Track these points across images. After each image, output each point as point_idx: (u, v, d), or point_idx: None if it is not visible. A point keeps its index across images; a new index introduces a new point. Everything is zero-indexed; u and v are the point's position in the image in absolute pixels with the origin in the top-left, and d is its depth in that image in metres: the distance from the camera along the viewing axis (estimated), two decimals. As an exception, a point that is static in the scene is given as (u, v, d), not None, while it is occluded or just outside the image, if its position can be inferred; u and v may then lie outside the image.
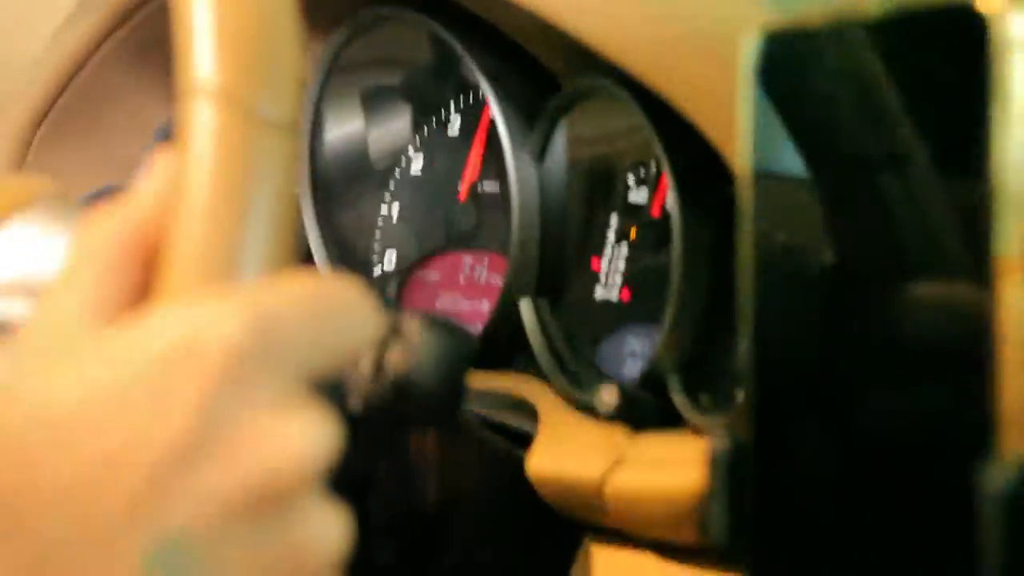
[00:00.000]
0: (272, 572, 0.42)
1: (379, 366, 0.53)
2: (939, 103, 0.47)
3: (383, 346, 0.53)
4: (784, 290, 0.52)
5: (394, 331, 0.53)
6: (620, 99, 0.73)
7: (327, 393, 0.44)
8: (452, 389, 0.54)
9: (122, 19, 0.88)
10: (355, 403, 0.54)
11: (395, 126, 0.93)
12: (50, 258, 0.50)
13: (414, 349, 0.52)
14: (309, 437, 0.42)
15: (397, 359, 0.52)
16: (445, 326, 0.53)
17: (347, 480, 0.47)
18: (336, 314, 0.44)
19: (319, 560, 0.42)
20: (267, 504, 0.41)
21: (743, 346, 0.53)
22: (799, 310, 0.52)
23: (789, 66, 0.48)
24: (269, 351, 0.42)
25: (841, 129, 0.51)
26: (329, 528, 0.43)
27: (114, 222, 0.45)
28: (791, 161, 0.52)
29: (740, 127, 0.50)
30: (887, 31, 0.47)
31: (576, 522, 0.71)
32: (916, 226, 0.49)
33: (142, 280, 0.45)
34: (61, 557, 0.40)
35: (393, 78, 0.92)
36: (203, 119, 0.44)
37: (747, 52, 0.48)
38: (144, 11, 0.88)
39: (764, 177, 0.52)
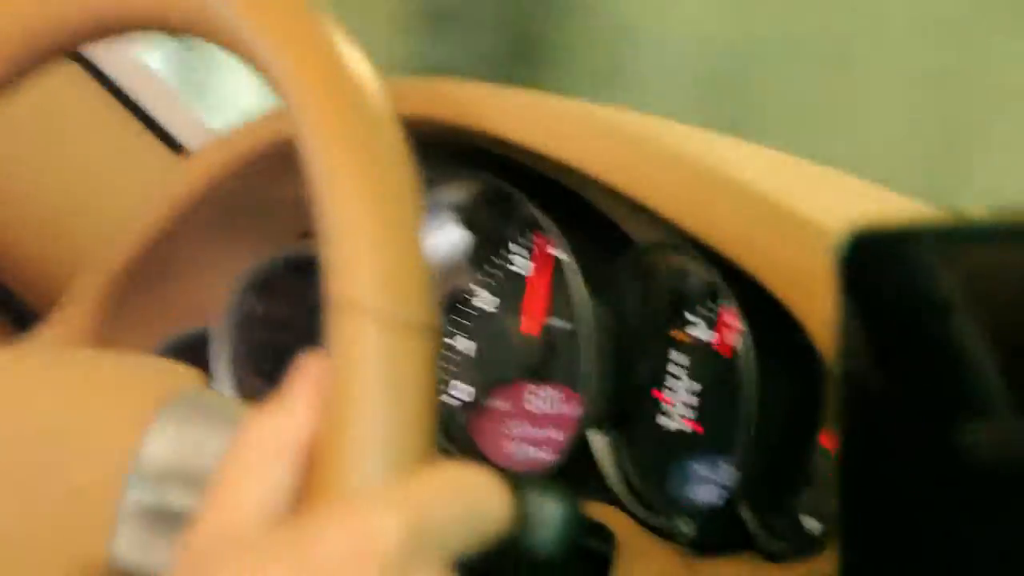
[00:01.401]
0: None
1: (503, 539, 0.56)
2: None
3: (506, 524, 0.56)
4: (869, 433, 0.55)
5: (514, 502, 0.56)
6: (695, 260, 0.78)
7: (466, 572, 0.49)
8: (564, 549, 0.57)
9: (220, 183, 0.93)
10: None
11: (448, 246, 0.95)
12: (207, 448, 0.53)
13: (532, 519, 0.55)
14: None
15: (517, 529, 0.55)
16: (556, 492, 0.56)
17: None
18: (475, 502, 0.49)
19: None
20: None
21: (818, 472, 0.56)
22: (885, 455, 0.55)
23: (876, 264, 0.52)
24: (424, 544, 0.46)
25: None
26: None
27: (275, 423, 0.49)
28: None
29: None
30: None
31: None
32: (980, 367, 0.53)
33: (305, 478, 0.48)
34: None
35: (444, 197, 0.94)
36: (356, 334, 0.48)
37: (839, 245, 0.52)
38: (239, 176, 0.93)
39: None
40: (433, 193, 0.93)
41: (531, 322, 0.92)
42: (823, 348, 0.67)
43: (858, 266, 0.51)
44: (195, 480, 0.52)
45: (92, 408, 0.55)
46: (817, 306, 0.66)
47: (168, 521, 0.52)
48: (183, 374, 0.55)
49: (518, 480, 0.54)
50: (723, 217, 0.72)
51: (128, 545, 0.52)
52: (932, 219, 0.52)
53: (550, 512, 0.54)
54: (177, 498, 0.52)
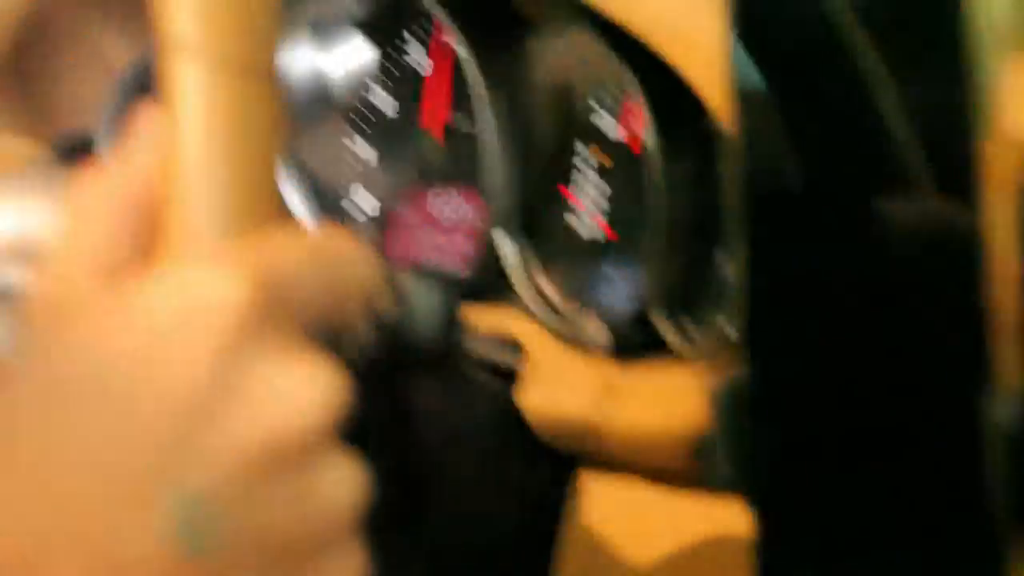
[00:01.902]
0: (295, 523, 0.42)
1: (372, 317, 0.53)
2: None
3: (375, 298, 0.53)
4: (769, 214, 0.52)
5: (385, 283, 0.54)
6: (592, 36, 0.73)
7: (328, 345, 0.45)
8: (444, 337, 0.55)
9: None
10: (352, 354, 0.54)
11: (350, 57, 0.92)
12: (41, 221, 0.50)
13: (404, 299, 0.53)
14: (320, 389, 0.43)
15: (389, 310, 0.53)
16: (433, 275, 0.54)
17: (348, 429, 0.48)
18: (334, 267, 0.45)
19: (341, 508, 0.43)
20: (286, 456, 0.42)
21: (729, 272, 0.53)
22: (786, 235, 0.52)
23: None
24: (275, 307, 0.43)
25: (814, 55, 0.51)
26: (347, 477, 0.43)
27: (112, 183, 0.46)
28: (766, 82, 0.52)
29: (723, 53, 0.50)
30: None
31: (571, 457, 0.72)
32: (895, 141, 0.49)
33: (143, 240, 0.45)
34: (86, 513, 0.40)
35: (338, 6, 0.90)
36: (188, 77, 0.44)
37: None
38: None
39: (746, 98, 0.52)
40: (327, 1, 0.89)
41: (431, 123, 0.87)
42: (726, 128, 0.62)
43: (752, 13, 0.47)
44: (34, 255, 0.49)
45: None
46: (716, 75, 0.62)
47: (7, 300, 0.49)
48: (20, 147, 0.51)
49: (390, 263, 0.51)
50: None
51: None
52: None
53: (425, 291, 0.51)
54: (15, 275, 0.49)
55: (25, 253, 0.50)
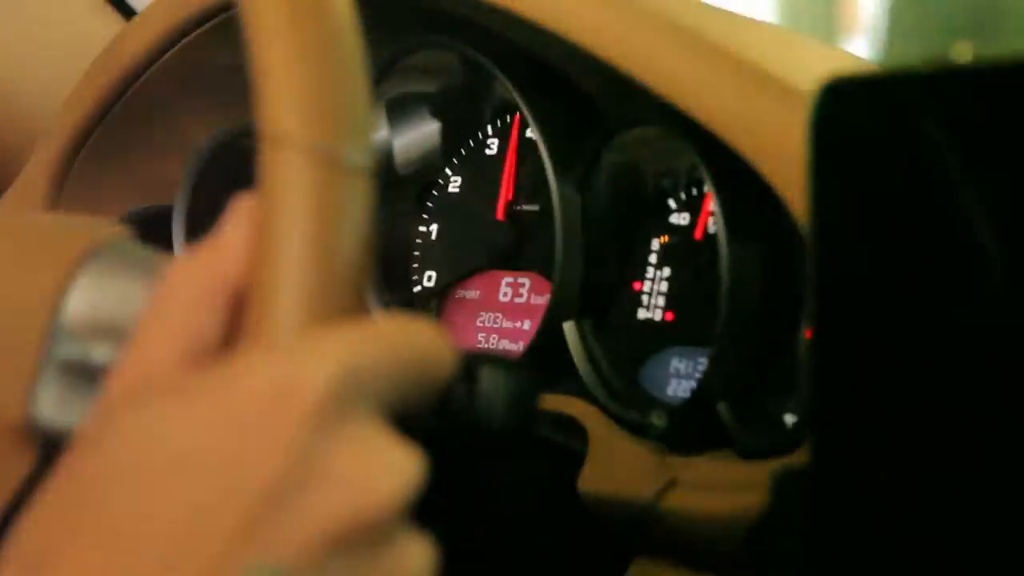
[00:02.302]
0: None
1: (445, 402, 0.53)
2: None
3: (453, 384, 0.54)
4: (840, 303, 0.52)
5: (463, 370, 0.54)
6: (666, 128, 0.74)
7: (406, 431, 0.45)
8: (516, 425, 0.55)
9: (169, 43, 0.89)
10: (429, 438, 0.55)
11: (422, 136, 0.93)
12: (131, 301, 0.51)
13: (481, 387, 0.53)
14: (396, 471, 0.43)
15: (463, 396, 0.53)
16: (510, 364, 0.54)
17: (422, 510, 0.48)
18: (415, 355, 0.46)
19: None
20: (360, 537, 0.43)
21: (795, 365, 0.53)
22: (855, 323, 0.52)
23: (851, 116, 0.48)
24: (355, 393, 0.43)
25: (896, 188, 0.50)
26: (418, 557, 0.44)
27: (201, 266, 0.46)
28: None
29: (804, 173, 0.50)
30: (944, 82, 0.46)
31: (626, 542, 0.72)
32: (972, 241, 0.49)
33: (229, 325, 0.46)
34: None
35: (419, 86, 0.92)
36: (287, 169, 0.45)
37: (814, 99, 0.47)
38: (191, 36, 0.89)
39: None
40: (404, 83, 0.90)
41: (499, 205, 0.88)
42: (803, 228, 0.63)
43: (834, 119, 0.46)
44: (120, 334, 0.49)
45: (12, 263, 0.52)
46: (796, 176, 0.62)
47: (92, 378, 0.50)
48: (108, 228, 0.52)
49: (468, 351, 0.52)
50: (703, 83, 0.68)
51: (49, 403, 0.49)
52: (913, 65, 0.47)
53: (501, 381, 0.51)
54: (101, 354, 0.50)
55: (113, 332, 0.50)
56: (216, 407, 0.42)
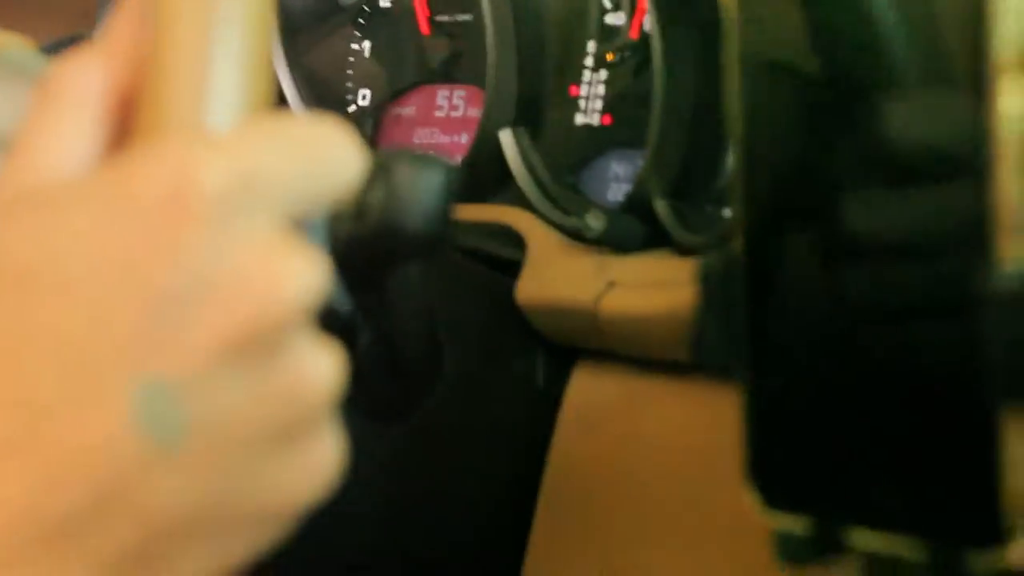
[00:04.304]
0: (268, 411, 0.41)
1: (362, 204, 0.52)
2: None
3: (365, 184, 0.52)
4: (772, 104, 0.51)
5: (375, 168, 0.52)
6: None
7: (313, 234, 0.44)
8: (437, 223, 0.53)
9: None
10: (340, 242, 0.53)
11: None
12: (20, 109, 0.48)
13: (396, 185, 0.51)
14: (296, 276, 0.41)
15: (379, 196, 0.51)
16: (426, 160, 0.52)
17: (336, 319, 0.46)
18: (319, 153, 0.44)
19: (316, 396, 0.42)
20: (258, 344, 0.41)
21: (732, 161, 0.52)
22: (789, 123, 0.51)
23: None
24: (253, 193, 0.41)
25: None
26: (323, 364, 0.42)
27: (85, 68, 0.44)
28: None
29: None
30: None
31: (568, 346, 0.71)
32: (902, 33, 0.48)
33: (117, 127, 0.44)
34: (51, 402, 0.39)
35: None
36: None
37: None
38: None
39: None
40: None
41: (421, 19, 0.86)
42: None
43: None
44: (6, 145, 0.47)
45: None
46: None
47: None
48: (3, 38, 0.50)
49: (381, 150, 0.49)
50: None
51: None
52: None
53: (418, 176, 0.49)
54: None
55: (1, 142, 0.48)
56: (102, 213, 0.40)
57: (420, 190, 0.51)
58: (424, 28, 0.86)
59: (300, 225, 0.43)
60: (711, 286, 0.55)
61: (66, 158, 0.43)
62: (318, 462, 0.43)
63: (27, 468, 0.39)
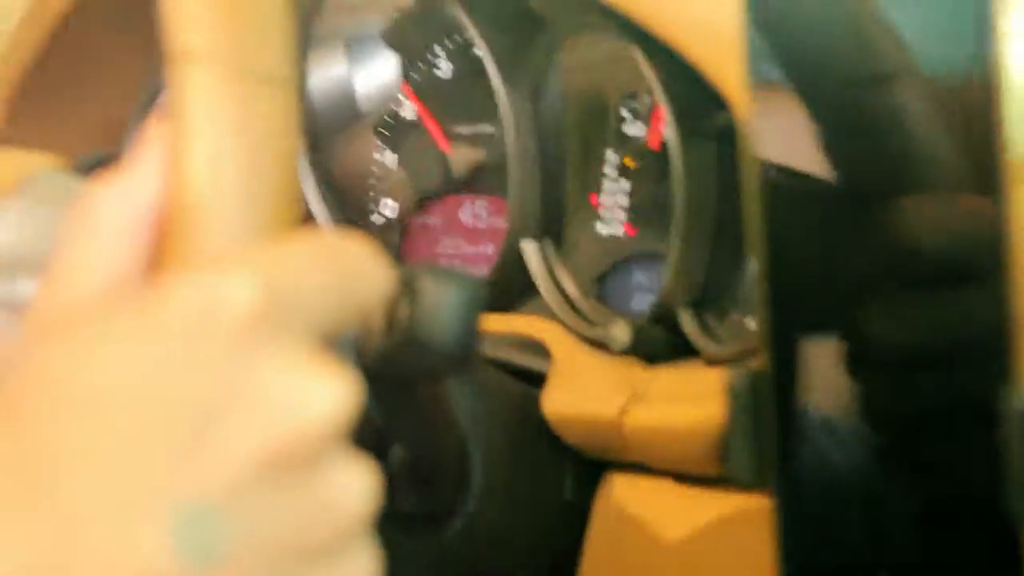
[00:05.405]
0: (304, 529, 0.42)
1: (390, 321, 0.52)
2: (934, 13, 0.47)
3: (393, 301, 0.52)
4: (791, 213, 0.52)
5: (402, 284, 0.53)
6: (609, 33, 0.73)
7: (342, 349, 0.44)
8: (464, 339, 0.53)
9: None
10: (369, 357, 0.53)
11: (381, 70, 0.92)
12: (50, 233, 0.49)
13: (422, 302, 0.52)
14: (329, 394, 0.42)
15: (407, 313, 0.52)
16: (452, 276, 0.52)
17: (366, 433, 0.47)
18: (347, 270, 0.44)
19: (351, 512, 0.42)
20: (294, 462, 0.41)
21: (754, 271, 0.52)
22: (807, 232, 0.52)
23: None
24: (284, 310, 0.42)
25: (831, 50, 0.50)
26: (357, 482, 0.43)
27: (115, 192, 0.45)
28: (789, 83, 0.52)
29: (740, 51, 0.49)
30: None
31: (597, 457, 0.71)
32: (915, 140, 0.49)
33: (149, 251, 0.44)
34: (91, 526, 0.39)
35: (376, 22, 0.91)
36: (192, 83, 0.43)
37: None
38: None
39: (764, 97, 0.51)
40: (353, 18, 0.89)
41: (439, 132, 0.87)
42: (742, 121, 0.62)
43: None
44: (38, 267, 0.48)
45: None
46: (731, 64, 0.61)
47: (18, 313, 0.48)
48: (39, 160, 0.50)
49: (407, 266, 0.50)
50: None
51: None
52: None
53: (445, 293, 0.50)
54: (29, 288, 0.48)
55: (38, 266, 0.49)
56: (136, 334, 0.41)
57: (446, 306, 0.51)
58: (442, 143, 0.87)
59: (330, 341, 0.43)
60: (739, 401, 0.55)
61: (100, 281, 0.43)
62: None
63: None
